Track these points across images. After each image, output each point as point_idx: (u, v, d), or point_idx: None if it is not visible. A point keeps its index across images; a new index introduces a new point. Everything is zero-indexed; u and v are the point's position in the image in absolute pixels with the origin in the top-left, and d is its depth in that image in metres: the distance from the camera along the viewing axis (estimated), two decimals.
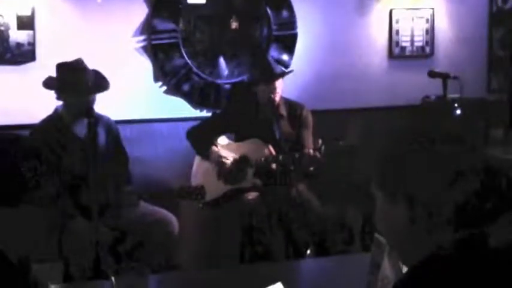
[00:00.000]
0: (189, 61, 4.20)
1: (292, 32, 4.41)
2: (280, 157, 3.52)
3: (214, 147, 3.73)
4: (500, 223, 1.25)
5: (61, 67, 3.45)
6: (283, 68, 3.90)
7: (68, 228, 3.28)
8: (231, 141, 3.83)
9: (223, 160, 3.67)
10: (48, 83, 3.43)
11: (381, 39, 4.65)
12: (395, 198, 1.28)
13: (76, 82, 3.39)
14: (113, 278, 1.86)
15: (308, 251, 3.63)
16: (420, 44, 4.73)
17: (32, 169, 1.38)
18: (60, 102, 3.49)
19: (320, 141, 3.42)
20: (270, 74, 3.67)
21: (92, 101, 3.44)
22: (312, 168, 3.46)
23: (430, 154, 1.26)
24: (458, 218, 1.23)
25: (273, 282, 2.21)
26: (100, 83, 3.46)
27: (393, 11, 4.64)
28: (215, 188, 3.70)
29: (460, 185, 1.22)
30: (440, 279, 1.19)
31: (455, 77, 3.75)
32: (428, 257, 1.23)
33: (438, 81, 3.82)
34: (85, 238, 3.21)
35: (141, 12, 4.12)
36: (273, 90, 3.65)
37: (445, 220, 1.23)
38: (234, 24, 4.31)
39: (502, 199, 1.24)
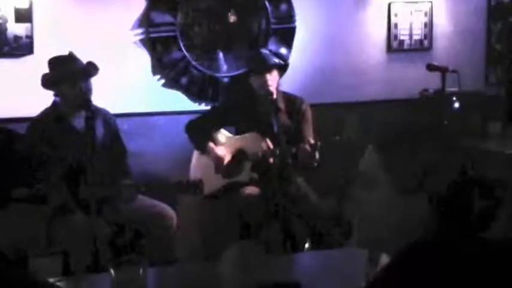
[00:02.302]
0: (187, 54, 4.19)
1: (291, 25, 4.40)
2: (278, 151, 3.52)
3: (211, 144, 3.73)
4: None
5: (51, 61, 3.48)
6: (277, 60, 3.89)
7: (66, 222, 3.29)
8: (229, 135, 3.83)
9: (219, 157, 3.68)
10: (44, 80, 3.44)
11: (379, 32, 4.65)
12: (409, 191, 1.28)
13: (65, 70, 3.41)
14: (111, 271, 1.86)
15: (306, 245, 3.64)
16: (419, 37, 4.72)
17: (30, 164, 1.37)
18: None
19: (313, 140, 3.42)
20: (262, 66, 3.67)
21: (87, 90, 3.45)
22: (314, 164, 3.47)
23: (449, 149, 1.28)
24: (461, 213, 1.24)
25: (271, 275, 2.21)
26: (88, 67, 3.47)
27: (392, 5, 4.64)
28: (213, 182, 3.70)
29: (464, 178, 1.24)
30: (423, 265, 1.20)
31: (453, 71, 3.76)
32: (413, 244, 1.24)
33: (436, 75, 3.83)
34: (83, 232, 3.21)
35: (139, 5, 4.10)
36: (267, 82, 3.64)
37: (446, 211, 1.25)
38: (232, 18, 4.30)
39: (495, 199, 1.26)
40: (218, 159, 3.70)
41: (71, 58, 3.47)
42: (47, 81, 3.44)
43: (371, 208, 1.34)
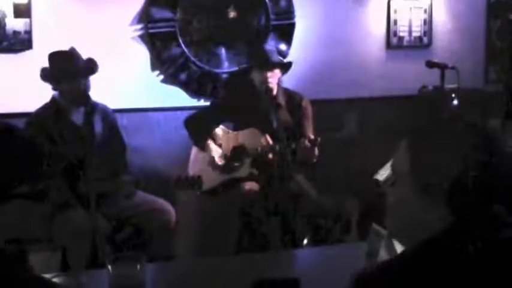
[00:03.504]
0: (186, 50, 4.19)
1: (290, 21, 4.39)
2: (277, 147, 3.52)
3: (210, 142, 3.73)
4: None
5: (52, 56, 3.46)
6: (281, 58, 3.89)
7: (65, 218, 3.28)
8: (228, 130, 3.82)
9: (212, 158, 3.69)
10: (43, 74, 3.43)
11: (379, 29, 4.64)
12: (419, 187, 1.28)
13: (66, 67, 3.39)
14: (109, 267, 1.86)
15: (305, 240, 3.64)
16: (418, 34, 4.72)
17: (31, 159, 1.37)
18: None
19: (312, 136, 3.42)
20: (266, 62, 3.67)
21: (86, 87, 3.44)
22: (313, 160, 3.47)
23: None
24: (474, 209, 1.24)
25: (270, 271, 2.21)
26: (89, 65, 3.46)
27: (391, 1, 4.63)
28: (212, 178, 3.70)
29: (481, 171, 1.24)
30: (438, 262, 1.20)
31: (453, 68, 3.76)
32: (428, 240, 1.24)
33: (436, 72, 3.83)
34: (82, 227, 3.21)
35: (138, 0, 4.10)
36: (270, 78, 3.64)
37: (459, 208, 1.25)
38: (232, 14, 4.29)
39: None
40: (212, 160, 3.70)
41: (72, 54, 3.45)
42: (46, 76, 3.43)
43: (395, 202, 1.34)
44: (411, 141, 1.33)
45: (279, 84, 3.73)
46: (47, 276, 1.94)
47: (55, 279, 2.03)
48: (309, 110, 3.83)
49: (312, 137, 3.41)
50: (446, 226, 1.25)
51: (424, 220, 1.28)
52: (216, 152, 3.73)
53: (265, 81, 3.64)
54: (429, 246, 1.24)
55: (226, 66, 4.31)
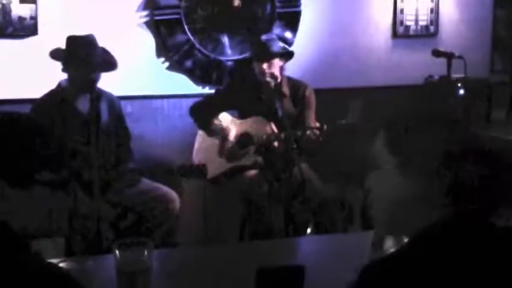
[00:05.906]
0: (191, 37, 4.18)
1: (296, 9, 4.37)
2: (282, 135, 3.52)
3: (216, 121, 3.73)
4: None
5: (71, 40, 3.40)
6: (283, 46, 3.85)
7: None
8: (233, 118, 3.82)
9: (226, 131, 3.69)
10: (56, 54, 3.39)
11: (385, 18, 4.62)
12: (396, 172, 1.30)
13: (85, 57, 3.34)
14: (116, 252, 1.86)
15: (308, 229, 3.64)
16: (425, 23, 4.69)
17: (42, 147, 1.38)
18: (64, 77, 3.45)
19: (319, 124, 3.42)
20: (263, 54, 3.65)
21: (97, 78, 3.41)
22: (318, 148, 3.46)
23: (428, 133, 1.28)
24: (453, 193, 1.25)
25: (273, 259, 2.22)
26: (109, 61, 3.42)
27: None
28: (217, 165, 3.70)
29: (456, 161, 1.25)
30: (435, 250, 1.21)
31: (459, 57, 3.74)
32: (425, 229, 1.25)
33: (441, 61, 3.81)
34: (87, 214, 3.21)
35: None
36: (267, 69, 3.62)
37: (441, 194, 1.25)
38: (237, 1, 4.27)
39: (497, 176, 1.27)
40: (223, 133, 3.70)
41: (90, 43, 3.40)
42: (61, 58, 3.37)
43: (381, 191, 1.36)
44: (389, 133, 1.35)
45: (282, 73, 3.72)
46: (54, 261, 1.95)
47: (61, 265, 2.04)
48: (312, 99, 3.81)
49: (318, 125, 3.41)
50: (441, 215, 1.26)
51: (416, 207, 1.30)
52: (225, 122, 3.73)
53: (263, 72, 3.63)
54: (427, 236, 1.25)
55: (231, 54, 4.29)
